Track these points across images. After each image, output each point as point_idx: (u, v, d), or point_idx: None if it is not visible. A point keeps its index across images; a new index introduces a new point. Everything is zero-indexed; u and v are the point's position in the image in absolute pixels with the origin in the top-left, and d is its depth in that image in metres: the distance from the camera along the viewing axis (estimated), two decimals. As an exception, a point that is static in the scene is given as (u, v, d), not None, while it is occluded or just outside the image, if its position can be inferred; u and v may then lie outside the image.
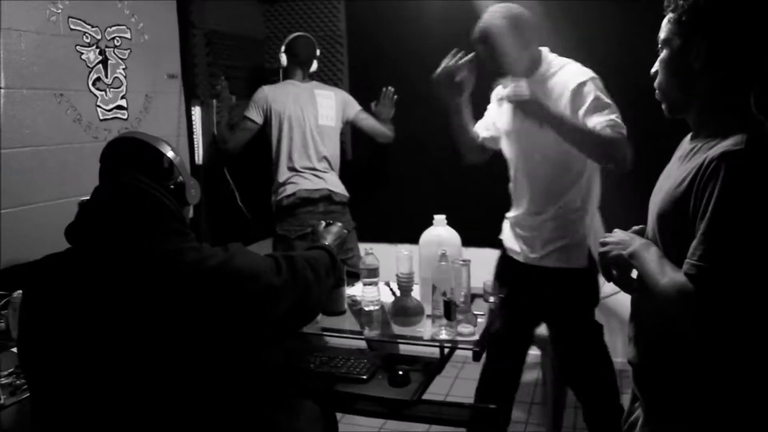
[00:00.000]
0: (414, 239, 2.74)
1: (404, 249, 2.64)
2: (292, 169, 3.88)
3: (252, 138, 3.95)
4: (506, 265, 3.10)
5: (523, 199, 2.95)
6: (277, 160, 3.92)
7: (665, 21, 1.61)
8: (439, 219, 2.71)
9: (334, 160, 4.02)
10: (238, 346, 1.55)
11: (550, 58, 2.83)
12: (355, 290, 2.81)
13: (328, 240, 2.30)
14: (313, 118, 3.90)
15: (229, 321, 1.53)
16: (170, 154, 1.76)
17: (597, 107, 2.62)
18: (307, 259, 1.91)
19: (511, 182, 3.03)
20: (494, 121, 3.04)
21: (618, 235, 1.72)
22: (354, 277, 3.00)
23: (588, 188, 2.86)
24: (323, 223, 2.45)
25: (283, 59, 4.02)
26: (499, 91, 3.00)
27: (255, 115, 3.89)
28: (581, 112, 2.65)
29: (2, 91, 2.71)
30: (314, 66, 4.05)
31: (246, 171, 4.21)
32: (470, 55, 2.82)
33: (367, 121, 4.03)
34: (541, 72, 2.80)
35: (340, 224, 2.44)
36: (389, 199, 4.37)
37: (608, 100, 2.66)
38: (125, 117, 3.35)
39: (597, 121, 2.59)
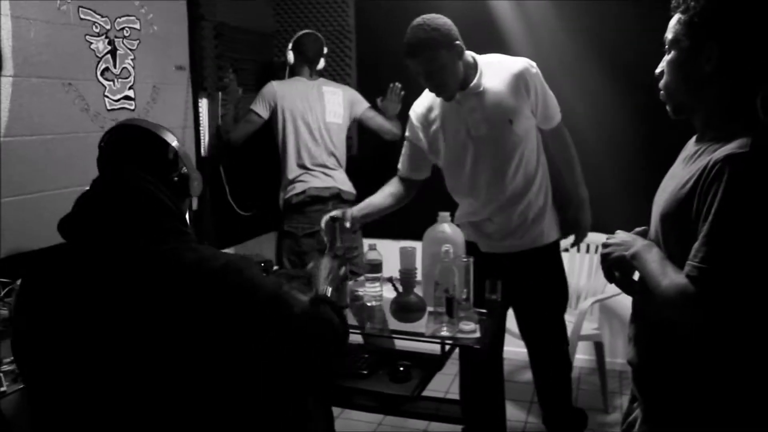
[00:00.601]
0: (417, 236, 2.75)
1: (407, 245, 2.65)
2: (301, 166, 3.90)
3: (254, 133, 3.96)
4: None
5: (482, 202, 2.89)
6: (284, 157, 3.94)
7: (674, 21, 1.60)
8: (443, 216, 2.71)
9: (342, 157, 4.04)
10: (234, 352, 1.49)
11: (479, 60, 2.78)
12: (358, 285, 2.82)
13: (322, 282, 2.17)
14: (320, 115, 3.91)
15: (226, 327, 1.47)
16: (174, 144, 1.71)
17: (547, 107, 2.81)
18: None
19: (460, 187, 2.95)
20: (426, 144, 2.94)
21: (620, 236, 1.72)
22: (356, 275, 3.01)
23: (539, 176, 2.89)
24: (313, 264, 2.30)
25: (291, 56, 4.03)
26: (418, 109, 2.95)
27: (261, 109, 3.90)
28: (531, 101, 2.76)
29: (11, 78, 2.71)
30: (321, 63, 4.06)
31: (243, 166, 4.22)
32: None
33: (375, 119, 4.04)
34: (476, 81, 2.74)
35: (329, 256, 2.31)
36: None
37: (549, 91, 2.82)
38: (132, 108, 3.36)
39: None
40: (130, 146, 1.66)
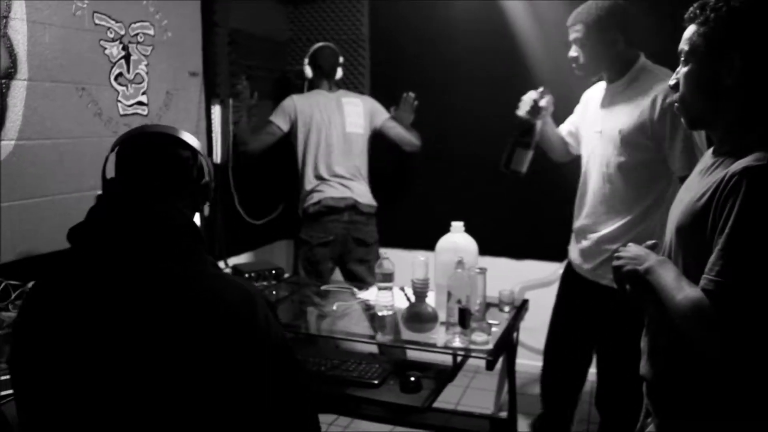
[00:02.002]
0: (430, 245, 2.75)
1: (420, 255, 2.65)
2: (318, 177, 3.91)
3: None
4: (568, 271, 3.03)
5: (583, 209, 2.87)
6: (303, 168, 3.95)
7: (689, 33, 1.59)
8: (457, 226, 2.71)
9: (363, 167, 4.03)
10: (231, 385, 1.45)
11: (639, 67, 2.71)
12: (370, 294, 2.81)
13: None
14: (339, 126, 3.93)
15: (227, 359, 1.43)
16: (197, 148, 1.67)
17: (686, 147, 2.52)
18: None
19: (579, 188, 2.94)
20: (578, 128, 3.01)
21: (633, 249, 1.70)
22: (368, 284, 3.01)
23: (642, 220, 2.69)
24: None
25: (308, 71, 4.05)
26: (589, 93, 2.99)
27: (281, 121, 3.92)
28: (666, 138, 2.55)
29: (26, 82, 2.73)
30: (339, 73, 4.08)
31: (254, 175, 4.24)
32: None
33: (395, 130, 4.03)
34: (623, 80, 2.72)
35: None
36: (407, 204, 4.38)
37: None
38: (145, 113, 3.38)
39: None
40: (155, 155, 1.61)
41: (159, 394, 1.41)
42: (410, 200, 4.41)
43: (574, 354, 3.03)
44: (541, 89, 2.89)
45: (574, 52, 2.76)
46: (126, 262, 1.48)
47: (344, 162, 3.93)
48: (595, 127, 2.78)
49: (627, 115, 2.62)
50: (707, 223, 1.47)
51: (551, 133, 3.04)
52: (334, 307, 2.89)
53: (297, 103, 3.96)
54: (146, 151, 1.61)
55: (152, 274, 1.46)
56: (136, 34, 3.29)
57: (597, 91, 2.89)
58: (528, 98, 2.88)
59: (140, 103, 3.35)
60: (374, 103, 4.10)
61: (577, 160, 2.99)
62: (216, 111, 3.89)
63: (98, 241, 1.52)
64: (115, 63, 3.18)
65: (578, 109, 3.04)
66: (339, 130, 3.93)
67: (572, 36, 2.74)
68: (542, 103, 2.85)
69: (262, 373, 1.49)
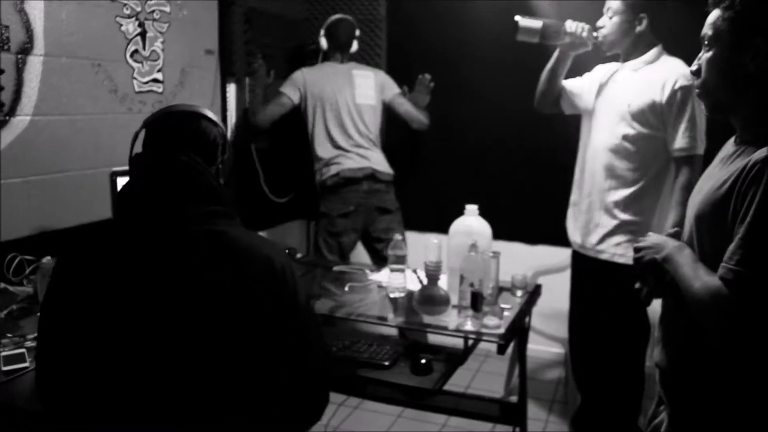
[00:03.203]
0: (444, 228, 2.75)
1: (433, 237, 2.65)
2: (336, 147, 3.92)
3: (283, 119, 3.98)
4: (575, 257, 3.14)
5: (584, 182, 2.99)
6: (314, 140, 3.96)
7: (713, 17, 1.58)
8: (471, 209, 2.71)
9: (376, 137, 4.03)
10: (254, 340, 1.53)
11: (657, 52, 2.85)
12: (382, 276, 2.82)
13: None
14: (349, 97, 3.93)
15: (258, 315, 1.53)
16: (223, 130, 1.77)
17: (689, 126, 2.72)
18: None
19: (577, 164, 3.07)
20: (582, 92, 3.07)
21: (651, 239, 1.70)
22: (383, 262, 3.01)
23: (642, 195, 2.85)
24: None
25: (323, 42, 4.04)
26: (601, 68, 3.06)
27: (291, 92, 3.92)
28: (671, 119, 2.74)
29: (42, 58, 2.75)
30: (355, 46, 4.07)
31: (276, 152, 4.24)
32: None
33: (405, 106, 4.03)
34: (639, 60, 2.85)
35: None
36: (420, 186, 4.39)
37: (698, 117, 2.72)
38: (160, 90, 3.40)
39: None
40: (186, 131, 1.69)
41: (191, 341, 1.49)
42: (424, 182, 4.41)
43: (597, 336, 3.05)
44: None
45: (602, 21, 2.88)
46: (163, 224, 1.56)
47: (357, 132, 3.94)
48: (604, 99, 2.91)
49: (638, 92, 2.78)
50: (728, 212, 1.46)
51: (562, 68, 3.07)
52: (346, 288, 2.91)
53: (307, 74, 3.96)
54: (176, 126, 1.69)
55: (190, 232, 1.54)
56: (152, 11, 3.31)
57: (609, 67, 2.99)
58: (583, 24, 2.92)
59: (155, 81, 3.37)
60: (385, 76, 4.10)
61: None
62: (231, 89, 3.91)
63: (132, 205, 1.60)
64: (130, 40, 3.20)
65: (587, 76, 3.11)
66: (350, 101, 3.94)
67: (607, 6, 2.86)
68: (585, 33, 2.88)
69: (286, 328, 1.57)
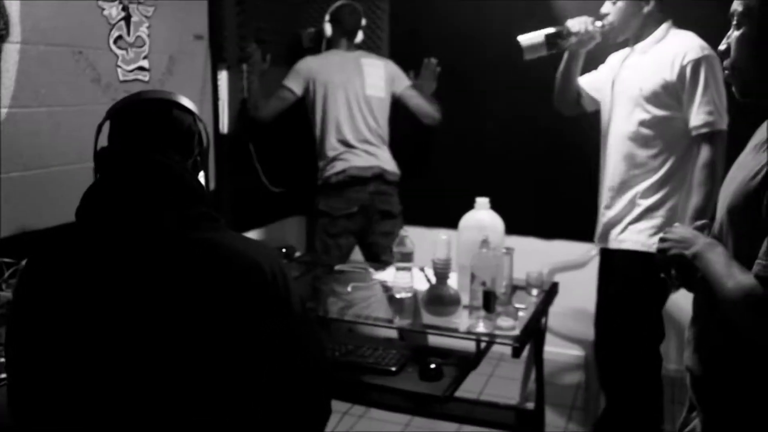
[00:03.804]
0: (453, 223, 2.74)
1: (442, 233, 2.63)
2: (342, 143, 3.87)
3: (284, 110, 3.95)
4: (603, 257, 3.16)
5: (607, 173, 3.01)
6: (323, 134, 3.91)
7: None
8: (482, 202, 2.70)
9: (385, 133, 4.00)
10: (244, 353, 1.48)
11: (665, 28, 2.87)
12: (387, 275, 2.80)
13: None
14: (359, 89, 3.88)
15: (246, 327, 1.48)
16: (198, 117, 1.71)
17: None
18: None
19: (601, 154, 3.09)
20: (599, 85, 3.10)
21: (679, 231, 1.68)
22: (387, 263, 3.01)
23: (667, 180, 2.86)
24: None
25: (328, 28, 3.99)
26: (614, 57, 3.09)
27: (294, 85, 3.88)
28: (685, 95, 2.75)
29: (18, 45, 2.70)
30: (360, 36, 4.03)
31: (272, 145, 4.21)
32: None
33: (416, 99, 3.99)
34: (647, 41, 2.88)
35: None
36: (428, 179, 4.36)
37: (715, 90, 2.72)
38: (147, 79, 3.35)
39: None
40: (157, 123, 1.62)
41: (172, 356, 1.43)
42: (432, 174, 4.39)
43: (622, 334, 3.03)
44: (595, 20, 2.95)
45: (606, 8, 2.90)
46: (141, 234, 1.48)
47: (366, 127, 3.90)
48: (618, 87, 2.93)
49: (649, 73, 2.81)
50: (762, 204, 1.43)
51: (575, 67, 3.09)
52: (349, 288, 2.88)
53: (312, 64, 3.92)
54: (147, 118, 1.62)
55: (171, 242, 1.48)
56: None
57: (622, 54, 3.02)
58: (585, 18, 2.93)
59: (141, 69, 3.32)
60: (395, 67, 4.05)
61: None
62: (223, 77, 3.86)
63: (103, 210, 1.52)
64: (114, 25, 3.14)
65: (602, 68, 3.13)
66: (360, 93, 3.89)
67: None
68: (591, 27, 2.89)
69: (281, 337, 1.53)
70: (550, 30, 2.89)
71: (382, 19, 4.37)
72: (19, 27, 2.70)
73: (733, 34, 1.59)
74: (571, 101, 3.16)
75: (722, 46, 1.63)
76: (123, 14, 3.19)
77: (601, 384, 3.23)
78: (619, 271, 2.97)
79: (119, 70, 3.20)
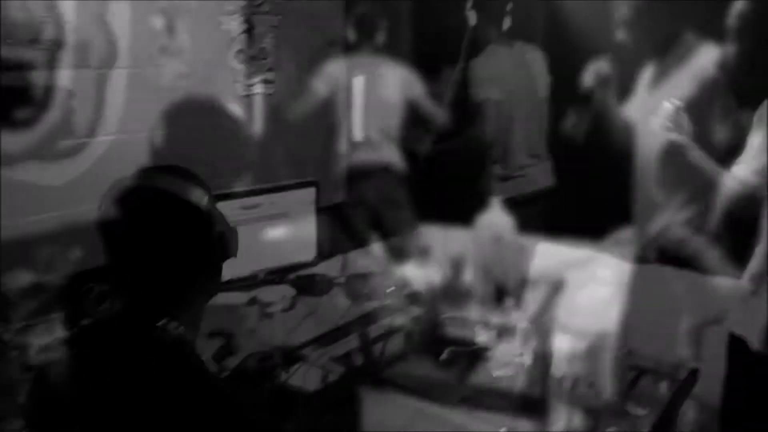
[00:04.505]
0: (469, 221, 2.81)
1: (458, 230, 2.77)
2: (356, 140, 4.18)
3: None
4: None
5: (639, 195, 3.03)
6: (338, 132, 4.26)
7: None
8: (496, 201, 2.78)
9: (395, 131, 4.21)
10: None
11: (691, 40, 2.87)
12: (405, 270, 2.96)
13: None
14: (376, 92, 4.13)
15: None
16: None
17: None
18: None
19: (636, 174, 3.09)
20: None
21: None
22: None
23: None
24: None
25: (351, 34, 4.19)
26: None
27: (323, 85, 4.09)
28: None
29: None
30: (381, 39, 4.20)
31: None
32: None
33: (428, 107, 4.17)
34: (672, 54, 2.88)
35: None
36: (443, 177, 4.35)
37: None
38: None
39: None
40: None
41: None
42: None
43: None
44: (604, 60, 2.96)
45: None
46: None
47: (377, 126, 4.14)
48: (643, 104, 2.89)
49: (673, 91, 2.75)
50: None
51: (614, 106, 3.05)
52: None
53: (338, 67, 4.16)
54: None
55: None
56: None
57: (648, 72, 2.98)
58: (593, 67, 2.95)
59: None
60: (411, 74, 4.20)
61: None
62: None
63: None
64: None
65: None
66: (375, 95, 4.12)
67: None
68: (604, 70, 2.91)
69: None
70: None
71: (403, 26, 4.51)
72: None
73: None
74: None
75: None
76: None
77: None
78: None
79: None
